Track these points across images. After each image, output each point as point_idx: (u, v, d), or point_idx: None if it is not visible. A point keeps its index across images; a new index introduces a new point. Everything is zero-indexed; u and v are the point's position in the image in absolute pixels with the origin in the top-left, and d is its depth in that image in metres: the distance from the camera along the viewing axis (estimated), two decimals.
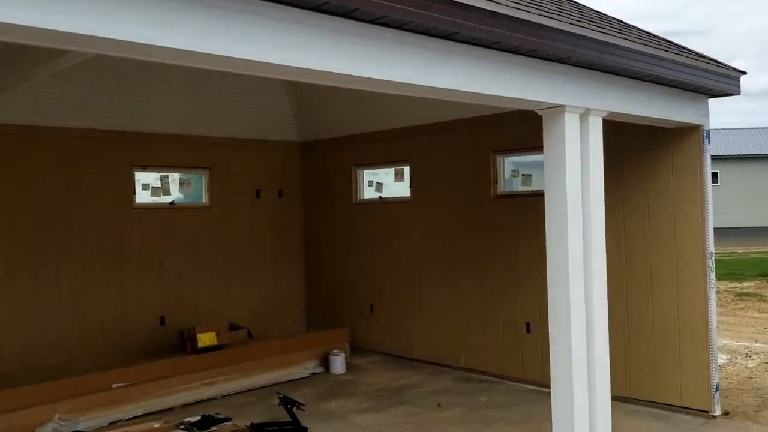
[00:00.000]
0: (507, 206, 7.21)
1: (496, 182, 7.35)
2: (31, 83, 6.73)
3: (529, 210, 6.97)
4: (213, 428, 5.50)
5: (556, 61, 4.58)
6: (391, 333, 8.39)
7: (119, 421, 5.94)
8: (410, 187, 8.22)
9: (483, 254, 7.40)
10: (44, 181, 7.34)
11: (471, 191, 7.52)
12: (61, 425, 5.64)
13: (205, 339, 6.85)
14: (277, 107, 9.02)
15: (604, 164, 4.97)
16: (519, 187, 7.23)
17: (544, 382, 6.76)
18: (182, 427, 5.52)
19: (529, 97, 4.54)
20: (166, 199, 8.31)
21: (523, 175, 7.22)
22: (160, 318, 8.16)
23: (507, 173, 7.39)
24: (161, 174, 8.31)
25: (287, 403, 5.68)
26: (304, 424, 5.66)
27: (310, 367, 7.49)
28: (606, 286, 4.93)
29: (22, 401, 5.67)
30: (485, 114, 7.26)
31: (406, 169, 8.33)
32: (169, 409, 6.31)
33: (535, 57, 4.41)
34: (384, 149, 8.52)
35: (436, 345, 7.86)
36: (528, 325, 7.01)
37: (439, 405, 6.33)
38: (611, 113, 5.03)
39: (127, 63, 7.33)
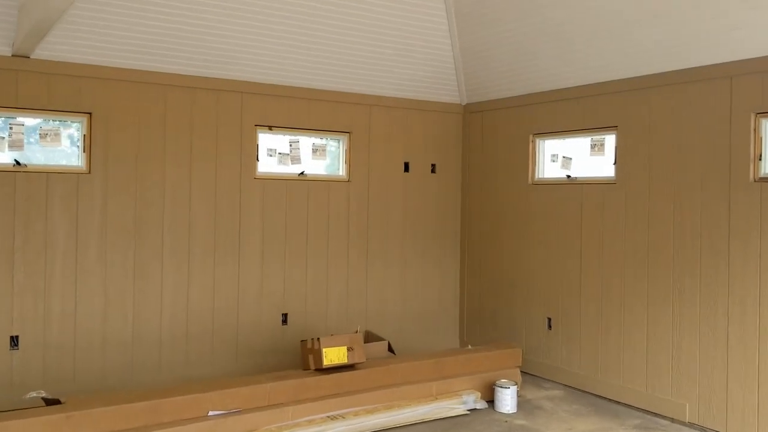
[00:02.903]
0: None
1: (760, 158, 4.96)
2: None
3: None
4: None
5: None
6: (578, 359, 6.24)
7: None
8: (615, 163, 5.99)
9: (730, 262, 5.05)
10: (146, 140, 5.92)
11: (714, 170, 5.18)
12: None
13: (333, 356, 5.10)
14: (438, 60, 7.08)
15: None
16: None
17: None
18: None
19: None
20: (295, 169, 6.67)
21: None
22: (283, 315, 6.57)
23: None
24: (291, 138, 6.67)
25: None
26: None
27: (470, 400, 5.54)
28: None
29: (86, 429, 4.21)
30: (744, 58, 4.93)
31: (609, 139, 6.10)
32: None
33: None
34: (576, 113, 6.33)
35: (647, 384, 5.63)
36: None
37: None
38: None
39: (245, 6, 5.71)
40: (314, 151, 6.83)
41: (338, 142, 7.00)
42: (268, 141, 6.54)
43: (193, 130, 6.11)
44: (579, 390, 6.17)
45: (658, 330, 5.55)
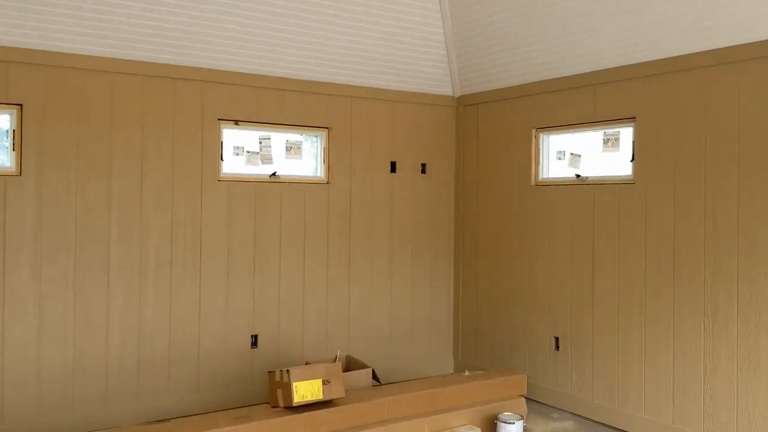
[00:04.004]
0: None
1: None
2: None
3: None
4: None
5: None
6: (591, 385, 5.44)
7: None
8: (632, 160, 5.21)
9: None
10: (89, 136, 5.07)
11: (751, 166, 4.39)
12: None
13: (305, 391, 4.27)
14: (428, 45, 6.28)
15: None
16: None
17: None
18: None
19: None
20: (266, 170, 5.85)
21: None
22: (252, 337, 5.74)
23: None
24: (261, 134, 5.85)
25: None
26: None
27: None
28: None
29: None
30: None
31: (625, 133, 5.32)
32: None
33: None
34: (587, 103, 5.55)
35: (674, 417, 4.83)
36: None
37: None
38: None
39: None
40: (288, 149, 6.00)
41: (315, 139, 6.18)
42: (233, 137, 5.71)
43: (144, 124, 5.27)
44: (592, 421, 5.38)
45: (688, 353, 4.75)
